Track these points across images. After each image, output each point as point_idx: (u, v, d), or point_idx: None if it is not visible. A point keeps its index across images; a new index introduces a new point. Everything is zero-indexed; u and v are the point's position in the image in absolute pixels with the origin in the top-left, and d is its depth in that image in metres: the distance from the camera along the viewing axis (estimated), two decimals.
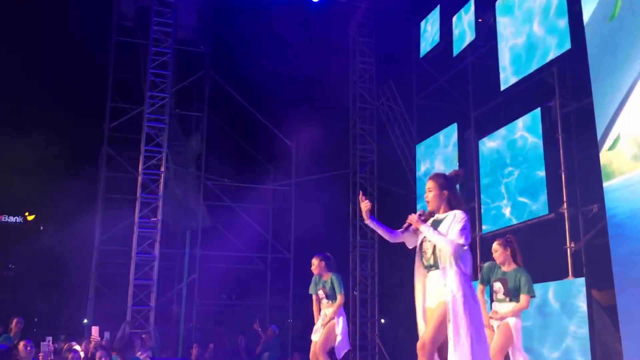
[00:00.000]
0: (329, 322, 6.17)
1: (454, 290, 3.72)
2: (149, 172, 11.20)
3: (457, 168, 9.42)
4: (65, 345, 7.08)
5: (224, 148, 13.16)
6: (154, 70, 11.54)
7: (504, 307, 5.19)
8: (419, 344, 3.79)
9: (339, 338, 6.10)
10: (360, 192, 4.15)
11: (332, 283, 6.25)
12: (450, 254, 3.75)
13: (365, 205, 4.06)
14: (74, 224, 13.90)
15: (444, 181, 3.98)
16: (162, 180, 11.19)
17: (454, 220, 3.82)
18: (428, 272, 3.89)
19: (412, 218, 3.95)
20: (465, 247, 3.76)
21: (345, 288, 6.64)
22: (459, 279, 3.73)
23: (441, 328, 3.72)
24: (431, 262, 3.87)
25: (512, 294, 5.19)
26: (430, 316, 3.81)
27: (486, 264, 5.55)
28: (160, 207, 11.06)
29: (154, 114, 11.35)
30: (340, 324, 6.13)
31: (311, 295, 6.52)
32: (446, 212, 3.92)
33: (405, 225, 4.00)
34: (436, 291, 3.82)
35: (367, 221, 4.06)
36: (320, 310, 6.35)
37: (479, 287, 5.50)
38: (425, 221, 3.93)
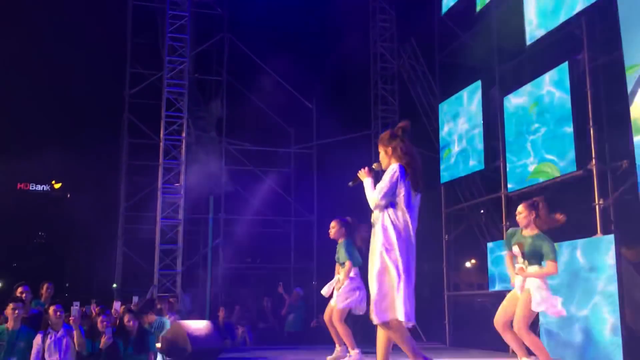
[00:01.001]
0: (340, 288, 6.13)
1: (378, 246, 3.77)
2: (171, 137, 11.21)
3: (481, 126, 9.25)
4: (97, 309, 7.22)
5: (244, 112, 13.10)
6: (171, 34, 11.45)
7: (528, 270, 5.08)
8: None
9: (348, 301, 6.05)
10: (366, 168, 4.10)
11: (340, 248, 6.21)
12: (373, 208, 3.83)
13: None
14: (99, 191, 14.09)
15: (387, 138, 3.99)
16: (183, 145, 11.20)
17: (385, 175, 3.87)
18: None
19: (362, 172, 4.01)
20: (382, 203, 3.77)
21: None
22: (382, 235, 3.76)
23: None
24: (372, 218, 3.93)
25: (530, 258, 5.07)
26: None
27: (509, 230, 5.45)
28: (183, 173, 11.10)
29: (173, 79, 11.29)
30: (346, 288, 6.05)
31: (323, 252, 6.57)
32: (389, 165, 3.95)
33: (354, 179, 4.06)
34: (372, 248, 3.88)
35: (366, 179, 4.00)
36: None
37: (505, 254, 5.42)
38: (374, 175, 3.98)
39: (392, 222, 3.77)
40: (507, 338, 5.14)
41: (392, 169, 3.82)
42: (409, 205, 3.81)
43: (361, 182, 4.01)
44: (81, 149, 15.58)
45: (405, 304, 3.63)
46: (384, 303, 3.68)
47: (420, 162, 3.96)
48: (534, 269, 5.04)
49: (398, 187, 3.80)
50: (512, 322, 5.16)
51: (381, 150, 4.02)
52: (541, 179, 7.93)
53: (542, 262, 5.08)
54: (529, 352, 5.04)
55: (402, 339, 3.70)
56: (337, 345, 6.45)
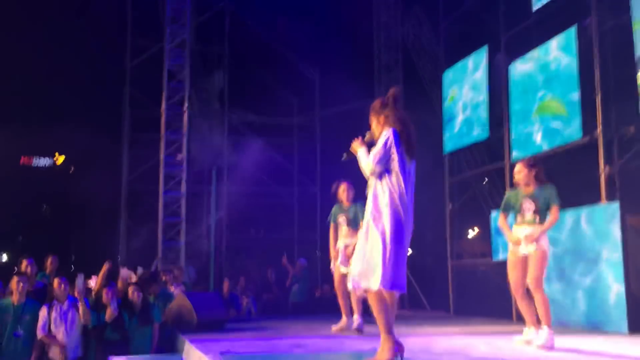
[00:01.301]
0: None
1: (366, 215, 3.73)
2: (172, 109, 11.12)
3: (486, 94, 9.13)
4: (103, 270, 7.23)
5: (246, 83, 12.98)
6: (172, 5, 11.27)
7: (535, 232, 5.05)
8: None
9: None
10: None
11: (356, 212, 6.22)
12: (368, 174, 3.77)
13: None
14: (102, 164, 14.06)
15: (378, 106, 3.90)
16: (185, 117, 11.12)
17: (379, 141, 3.79)
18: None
19: (356, 142, 3.93)
20: (376, 168, 3.71)
21: None
22: (372, 203, 3.71)
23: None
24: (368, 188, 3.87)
25: (542, 211, 5.07)
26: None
27: (508, 193, 5.41)
28: (185, 145, 11.05)
29: (174, 50, 11.16)
30: None
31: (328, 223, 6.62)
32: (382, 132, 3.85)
33: (347, 152, 3.98)
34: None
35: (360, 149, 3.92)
36: (336, 240, 6.43)
37: (500, 216, 5.40)
38: (368, 146, 3.88)
39: (385, 189, 3.70)
40: (523, 305, 5.14)
41: (385, 135, 3.75)
42: (403, 171, 3.74)
43: (354, 156, 3.93)
44: (83, 122, 15.49)
45: (387, 273, 3.57)
46: (362, 271, 3.64)
47: (414, 129, 3.87)
48: (536, 228, 5.02)
49: (392, 153, 3.73)
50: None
51: (373, 119, 3.92)
52: (545, 147, 7.84)
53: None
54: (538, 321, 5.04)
55: (379, 310, 3.62)
56: (343, 316, 6.48)
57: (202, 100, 12.34)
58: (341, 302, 6.48)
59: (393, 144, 3.73)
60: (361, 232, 3.77)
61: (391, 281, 3.58)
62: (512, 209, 5.29)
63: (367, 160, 3.77)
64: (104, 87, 13.62)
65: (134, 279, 7.70)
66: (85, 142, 15.54)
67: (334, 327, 6.49)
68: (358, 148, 3.89)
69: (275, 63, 13.33)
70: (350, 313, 6.42)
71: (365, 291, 3.69)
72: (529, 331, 5.13)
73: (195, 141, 11.98)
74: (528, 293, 5.12)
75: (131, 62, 12.25)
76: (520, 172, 5.22)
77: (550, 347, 4.79)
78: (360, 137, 3.94)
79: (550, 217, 5.06)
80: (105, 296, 6.39)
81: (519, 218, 5.20)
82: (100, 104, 14.14)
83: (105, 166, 13.49)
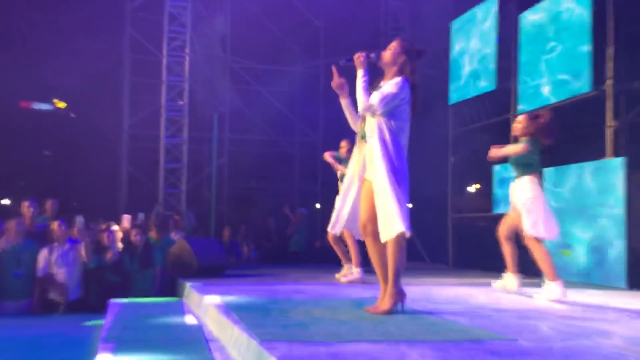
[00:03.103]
0: None
1: (377, 165, 3.56)
2: (174, 54, 10.93)
3: (494, 45, 8.94)
4: (104, 226, 7.28)
5: (249, 29, 12.70)
6: None
7: (519, 186, 5.08)
8: (360, 226, 3.79)
9: None
10: (333, 67, 3.88)
11: None
12: (360, 111, 3.65)
13: (337, 81, 3.83)
14: (102, 109, 13.91)
15: (408, 46, 3.75)
16: (187, 62, 10.94)
17: (387, 84, 3.64)
18: (365, 142, 3.72)
19: (360, 56, 3.74)
20: (379, 111, 3.57)
21: None
22: (382, 152, 3.56)
23: (369, 204, 3.66)
24: (365, 130, 3.71)
25: (516, 165, 5.12)
26: (364, 195, 3.73)
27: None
28: (187, 90, 10.91)
29: None
30: None
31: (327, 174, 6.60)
32: (393, 77, 3.70)
33: (349, 59, 3.79)
34: (368, 164, 3.69)
35: (343, 99, 3.83)
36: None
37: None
38: (369, 67, 3.72)
39: (394, 133, 3.61)
40: (505, 249, 5.27)
41: (399, 82, 3.62)
42: (407, 121, 3.68)
43: (353, 65, 3.76)
44: (83, 66, 15.26)
45: (404, 215, 3.54)
46: (396, 216, 3.52)
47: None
48: (524, 180, 5.03)
49: (402, 103, 3.63)
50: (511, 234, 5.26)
51: (395, 49, 3.74)
52: (553, 100, 7.72)
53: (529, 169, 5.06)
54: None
55: (398, 257, 3.58)
56: (343, 264, 6.53)
57: (204, 45, 12.11)
58: (336, 249, 6.49)
59: (407, 95, 3.64)
60: (381, 178, 3.56)
61: (408, 223, 3.53)
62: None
63: (370, 97, 3.62)
64: (104, 29, 13.33)
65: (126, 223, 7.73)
66: (85, 86, 15.34)
67: (338, 275, 6.53)
68: (358, 67, 3.72)
69: (279, 9, 13.02)
70: (349, 261, 6.45)
71: (398, 236, 3.56)
72: (506, 276, 5.33)
73: (197, 87, 11.83)
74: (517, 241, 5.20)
75: (131, 4, 11.97)
76: (519, 123, 5.25)
77: (557, 299, 4.82)
78: (365, 54, 3.74)
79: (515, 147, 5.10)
80: (106, 239, 6.41)
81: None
82: (100, 48, 13.88)
83: (106, 111, 13.34)
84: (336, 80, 3.85)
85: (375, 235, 3.66)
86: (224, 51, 12.45)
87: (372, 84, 3.78)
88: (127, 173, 11.99)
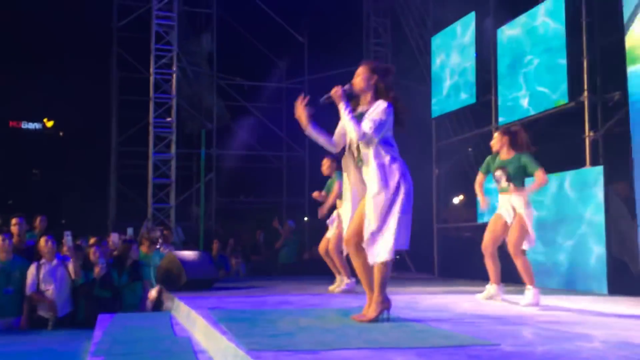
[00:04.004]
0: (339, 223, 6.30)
1: (374, 190, 3.64)
2: (161, 71, 11.03)
3: (473, 59, 9.14)
4: (93, 241, 7.33)
5: (235, 46, 12.86)
6: None
7: (513, 199, 5.16)
8: (345, 237, 3.87)
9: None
10: (301, 96, 3.90)
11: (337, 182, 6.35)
12: (355, 141, 3.67)
13: (300, 110, 3.83)
14: (91, 127, 13.95)
15: (375, 66, 3.80)
16: (174, 79, 11.04)
17: (374, 110, 3.68)
18: (360, 168, 3.79)
19: (337, 90, 3.76)
20: (375, 139, 3.64)
21: None
22: (379, 174, 3.64)
23: (360, 223, 3.72)
24: (360, 158, 3.76)
25: (514, 179, 5.17)
26: (359, 210, 3.79)
27: (488, 157, 5.51)
28: (174, 107, 10.99)
29: (162, 11, 11.01)
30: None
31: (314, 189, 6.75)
32: (372, 101, 3.75)
33: (326, 96, 3.80)
34: (360, 187, 3.78)
35: (307, 129, 3.86)
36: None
37: (478, 177, 5.53)
38: (347, 99, 3.75)
39: (387, 157, 3.68)
40: (489, 263, 5.35)
41: (385, 108, 3.68)
42: (394, 138, 3.78)
43: (332, 101, 3.78)
44: (71, 85, 15.32)
45: (400, 238, 3.65)
46: (384, 244, 3.64)
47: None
48: (521, 194, 5.12)
49: (389, 124, 3.72)
50: (497, 247, 5.36)
51: (364, 73, 3.79)
52: (532, 112, 7.91)
53: (525, 181, 5.18)
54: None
55: (384, 274, 3.71)
56: (337, 275, 6.59)
57: (191, 63, 12.23)
58: (328, 262, 6.60)
59: (389, 115, 3.70)
60: (376, 202, 3.63)
61: (400, 241, 3.63)
62: (487, 172, 5.43)
63: (360, 127, 3.64)
64: (92, 48, 13.42)
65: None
66: (74, 105, 15.39)
67: (331, 288, 6.59)
68: (339, 102, 3.74)
69: (264, 26, 13.19)
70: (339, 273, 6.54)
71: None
72: (490, 288, 5.42)
73: (184, 104, 11.94)
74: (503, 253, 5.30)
75: (118, 23, 12.08)
76: (494, 139, 5.37)
77: (535, 304, 4.96)
78: (341, 87, 3.76)
79: (536, 180, 5.12)
80: (92, 255, 6.46)
81: (497, 186, 5.32)
82: (88, 66, 13.96)
83: (95, 129, 13.40)
84: (302, 110, 3.85)
85: (358, 247, 3.76)
86: (211, 68, 12.56)
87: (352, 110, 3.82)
88: (115, 189, 12.02)
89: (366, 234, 3.66)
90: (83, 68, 14.19)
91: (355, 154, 3.78)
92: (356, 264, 3.86)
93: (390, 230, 3.61)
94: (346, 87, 3.78)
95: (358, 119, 3.71)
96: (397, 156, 3.73)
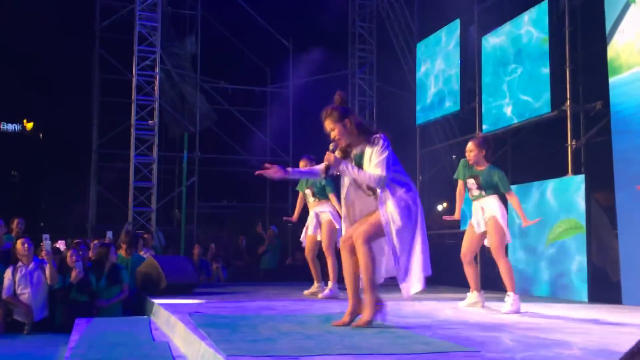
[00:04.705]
0: (328, 222, 6.32)
1: (398, 223, 3.68)
2: (144, 73, 10.94)
3: (458, 67, 9.19)
4: (71, 245, 7.22)
5: (219, 49, 12.80)
6: None
7: (485, 202, 5.22)
8: (342, 238, 3.92)
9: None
10: (265, 166, 3.95)
11: (321, 183, 6.36)
12: (379, 186, 3.68)
13: (272, 171, 3.88)
14: (71, 128, 13.79)
15: (338, 113, 3.77)
16: (157, 81, 10.95)
17: (373, 152, 3.70)
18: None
19: (329, 158, 3.76)
20: (387, 176, 3.66)
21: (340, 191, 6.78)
22: (398, 209, 3.67)
23: (370, 225, 3.74)
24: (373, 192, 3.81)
25: (486, 188, 5.26)
26: (363, 219, 3.83)
27: (462, 160, 5.53)
28: (157, 110, 10.90)
29: (145, 12, 10.92)
30: (336, 223, 6.29)
31: (297, 192, 6.76)
32: (361, 141, 3.77)
33: (323, 168, 3.80)
34: (372, 208, 3.82)
35: (288, 177, 3.94)
36: (300, 208, 6.60)
37: (459, 185, 5.56)
38: (344, 158, 3.78)
39: (405, 189, 3.73)
40: (469, 271, 5.40)
41: (379, 144, 3.69)
42: (399, 165, 3.83)
43: (335, 169, 3.78)
44: (52, 87, 15.15)
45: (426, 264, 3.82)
46: (418, 272, 3.74)
47: None
48: (493, 198, 5.23)
49: (390, 156, 3.75)
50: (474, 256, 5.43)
51: (334, 126, 3.75)
52: (515, 120, 7.96)
53: (498, 191, 5.27)
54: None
55: (374, 266, 3.76)
56: (315, 282, 6.61)
57: (174, 65, 12.14)
58: (312, 268, 6.60)
59: (388, 147, 3.72)
60: (399, 237, 3.69)
61: (426, 268, 3.77)
62: (464, 178, 5.45)
63: (374, 172, 3.66)
64: (73, 49, 13.28)
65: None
66: (54, 106, 15.23)
67: (306, 292, 6.62)
68: (339, 165, 3.72)
69: (249, 30, 13.16)
70: (323, 279, 6.55)
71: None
72: (471, 295, 5.46)
73: (167, 106, 11.84)
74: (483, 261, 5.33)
75: (101, 24, 11.97)
76: (471, 151, 5.37)
77: (516, 311, 4.99)
78: (331, 154, 3.75)
79: (514, 203, 5.25)
80: (69, 258, 6.36)
81: (469, 193, 5.38)
82: (69, 68, 13.80)
83: (75, 131, 13.24)
84: (272, 171, 3.90)
85: (352, 249, 3.79)
86: (194, 71, 12.49)
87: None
88: (96, 192, 11.87)
89: (399, 271, 3.73)
90: (64, 69, 14.04)
91: (369, 192, 3.84)
92: (346, 265, 3.88)
93: (418, 260, 3.72)
94: (332, 148, 3.79)
95: (358, 162, 3.75)
96: (408, 181, 3.79)
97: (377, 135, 3.72)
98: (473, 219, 5.34)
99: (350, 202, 3.91)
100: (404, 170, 3.84)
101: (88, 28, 12.32)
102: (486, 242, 5.30)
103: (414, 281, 3.71)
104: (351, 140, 3.79)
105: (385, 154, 3.68)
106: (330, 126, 3.77)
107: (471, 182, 5.33)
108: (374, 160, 3.67)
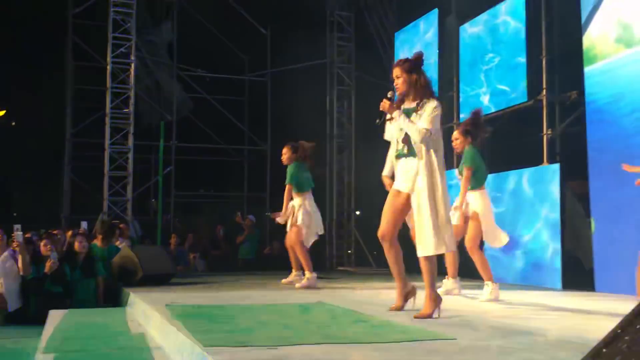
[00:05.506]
0: (296, 212, 6.33)
1: (419, 183, 3.82)
2: (119, 61, 10.76)
3: (436, 56, 9.22)
4: (45, 235, 7.10)
5: (196, 37, 12.63)
6: None
7: (470, 196, 5.28)
8: (379, 234, 4.08)
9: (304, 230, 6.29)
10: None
11: (287, 172, 6.36)
12: (419, 141, 3.82)
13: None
14: (44, 117, 13.53)
15: (410, 65, 3.95)
16: (132, 69, 10.78)
17: (426, 108, 3.85)
18: (398, 160, 3.99)
19: (385, 104, 3.94)
20: (432, 133, 3.81)
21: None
22: (427, 169, 3.81)
23: (398, 216, 3.99)
24: (404, 151, 3.93)
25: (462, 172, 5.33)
26: (392, 203, 4.00)
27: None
28: (132, 98, 10.74)
29: None
30: (300, 216, 6.28)
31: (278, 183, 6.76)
32: (416, 98, 3.92)
33: (380, 115, 4.00)
34: (405, 176, 3.92)
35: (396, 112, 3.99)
36: (288, 202, 6.58)
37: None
38: (398, 106, 3.93)
39: (437, 158, 3.84)
40: (449, 257, 5.47)
41: (434, 103, 3.86)
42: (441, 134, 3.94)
43: (386, 118, 3.98)
44: (24, 74, 14.82)
45: (445, 235, 3.89)
46: (430, 238, 3.82)
47: None
48: (475, 192, 5.28)
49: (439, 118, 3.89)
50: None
51: (400, 75, 3.95)
52: (493, 109, 8.01)
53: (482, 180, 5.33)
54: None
55: (431, 268, 3.93)
56: (293, 270, 6.60)
57: (150, 52, 11.95)
58: (292, 256, 6.58)
59: (440, 112, 3.89)
60: (427, 196, 3.80)
61: (447, 242, 3.87)
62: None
63: (418, 124, 3.81)
64: (46, 36, 12.99)
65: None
66: (26, 94, 14.91)
67: (283, 281, 6.61)
68: (393, 111, 3.90)
69: (226, 18, 13.00)
70: (301, 268, 6.54)
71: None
72: (447, 282, 5.56)
73: (143, 94, 11.68)
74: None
75: (74, 10, 11.72)
76: (456, 139, 5.42)
77: (495, 299, 5.05)
78: (387, 99, 3.93)
79: (462, 182, 5.28)
80: (43, 248, 6.25)
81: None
82: (41, 55, 13.51)
83: (48, 119, 12.99)
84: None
85: (393, 242, 4.02)
86: (171, 58, 12.32)
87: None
88: (70, 181, 11.69)
89: (417, 230, 3.88)
90: (36, 56, 13.75)
91: (398, 147, 3.97)
92: (389, 256, 4.11)
93: (432, 225, 3.79)
94: (390, 95, 3.97)
95: (408, 115, 3.88)
96: (441, 155, 3.88)
97: (435, 99, 3.90)
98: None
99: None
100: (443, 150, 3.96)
101: (61, 14, 12.06)
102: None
103: (428, 244, 3.83)
104: (410, 93, 3.94)
105: (437, 112, 3.83)
106: (397, 74, 3.96)
107: (456, 171, 5.41)
108: (425, 115, 3.82)
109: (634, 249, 4.77)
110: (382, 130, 4.21)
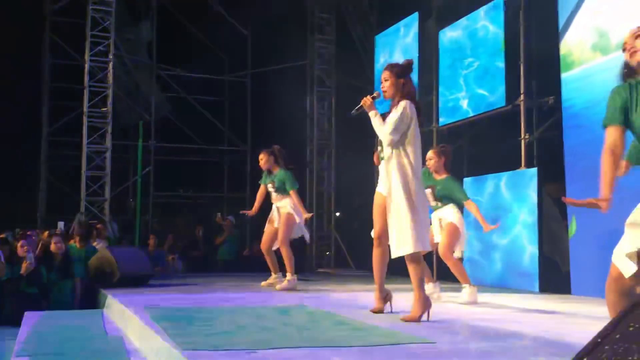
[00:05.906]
0: (287, 215, 6.30)
1: (392, 184, 3.86)
2: (97, 59, 10.63)
3: (416, 60, 9.27)
4: (20, 235, 6.99)
5: (176, 36, 12.54)
6: None
7: (444, 212, 5.34)
8: (375, 235, 4.16)
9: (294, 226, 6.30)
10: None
11: (282, 179, 6.34)
12: (386, 144, 3.88)
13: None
14: (20, 115, 13.31)
15: (399, 70, 4.02)
16: (110, 68, 10.66)
17: (393, 112, 3.91)
18: (382, 162, 4.02)
19: (366, 101, 4.04)
20: (395, 137, 3.84)
21: (300, 181, 6.83)
22: (399, 171, 3.84)
23: (382, 218, 4.02)
24: (382, 154, 3.99)
25: (442, 198, 5.39)
26: (378, 204, 4.10)
27: (423, 169, 5.60)
28: (110, 97, 10.62)
29: None
30: (296, 217, 6.30)
31: (257, 184, 6.73)
32: (399, 102, 3.95)
33: (358, 107, 4.10)
34: (383, 179, 4.00)
35: (372, 112, 4.05)
36: (260, 201, 6.56)
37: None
38: (375, 108, 4.02)
39: (408, 160, 3.84)
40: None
41: (403, 105, 3.87)
42: (418, 140, 3.93)
43: (364, 111, 4.05)
44: None
45: (421, 235, 3.84)
46: (401, 239, 3.80)
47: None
48: (449, 207, 5.37)
49: (412, 124, 3.87)
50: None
51: (389, 78, 4.00)
52: (471, 113, 8.09)
53: (455, 201, 5.40)
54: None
55: (415, 270, 3.87)
56: (272, 273, 6.60)
57: (129, 51, 11.84)
58: (268, 259, 6.58)
59: (414, 115, 3.88)
60: (396, 200, 3.83)
61: (423, 241, 3.83)
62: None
63: (384, 128, 3.88)
64: (22, 33, 12.79)
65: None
66: (2, 92, 14.66)
67: (264, 283, 6.60)
68: (370, 110, 4.01)
69: (206, 17, 12.92)
70: (281, 271, 6.54)
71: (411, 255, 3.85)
72: (426, 286, 5.51)
73: (121, 93, 11.56)
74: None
75: (51, 7, 11.56)
76: (430, 159, 5.45)
77: (473, 302, 5.10)
78: (369, 97, 4.04)
79: (474, 211, 5.34)
80: (20, 249, 6.15)
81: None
82: (18, 53, 13.30)
83: (25, 117, 12.78)
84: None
85: (387, 242, 4.01)
86: (150, 58, 12.22)
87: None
88: (46, 181, 11.52)
89: (391, 231, 3.89)
90: (12, 53, 13.53)
91: (379, 150, 4.03)
92: (377, 261, 4.17)
93: (409, 226, 3.78)
94: (376, 95, 4.08)
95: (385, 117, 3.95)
96: (415, 159, 3.87)
97: (406, 101, 3.90)
98: (433, 228, 5.40)
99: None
100: (420, 150, 3.96)
101: (37, 12, 11.89)
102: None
103: (402, 244, 3.81)
104: (394, 97, 3.99)
105: (402, 119, 3.84)
106: (385, 76, 4.04)
107: (428, 191, 5.31)
108: (390, 118, 3.88)
109: (608, 254, 4.84)
110: (358, 123, 4.28)
